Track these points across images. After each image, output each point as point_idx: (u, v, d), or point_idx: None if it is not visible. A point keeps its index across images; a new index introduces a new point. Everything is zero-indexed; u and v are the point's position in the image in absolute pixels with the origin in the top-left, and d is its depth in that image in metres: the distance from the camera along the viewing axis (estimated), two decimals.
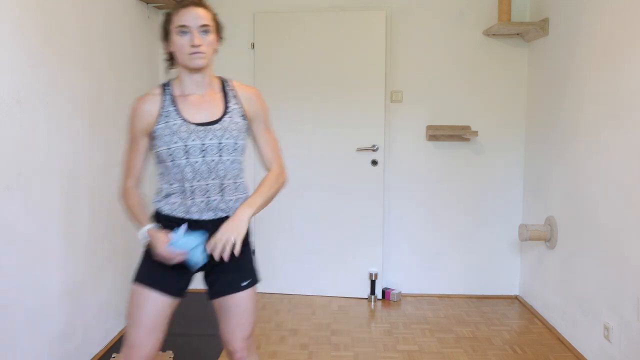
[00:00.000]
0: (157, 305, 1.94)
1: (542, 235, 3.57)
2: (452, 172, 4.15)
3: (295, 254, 4.17)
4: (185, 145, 1.87)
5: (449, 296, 4.20)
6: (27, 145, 2.41)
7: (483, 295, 4.20)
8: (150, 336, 1.93)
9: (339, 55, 4.01)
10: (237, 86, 2.09)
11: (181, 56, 1.88)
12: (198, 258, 1.91)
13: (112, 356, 3.10)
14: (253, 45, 4.10)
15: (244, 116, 2.02)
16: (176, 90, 1.95)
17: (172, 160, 1.89)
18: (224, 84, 2.07)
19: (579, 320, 3.18)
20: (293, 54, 4.04)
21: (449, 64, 4.09)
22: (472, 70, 4.08)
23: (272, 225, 4.17)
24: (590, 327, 3.05)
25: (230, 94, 2.03)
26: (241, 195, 2.05)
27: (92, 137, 3.03)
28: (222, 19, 4.42)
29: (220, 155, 1.93)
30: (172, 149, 1.88)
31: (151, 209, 2.01)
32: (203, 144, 1.89)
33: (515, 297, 4.18)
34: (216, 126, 1.92)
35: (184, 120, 1.89)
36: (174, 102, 1.92)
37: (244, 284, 2.10)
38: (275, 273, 4.20)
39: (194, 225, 1.93)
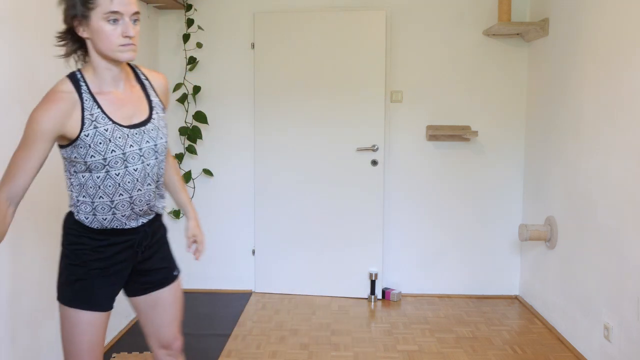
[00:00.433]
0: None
1: (542, 235, 3.57)
2: (452, 172, 4.15)
3: (295, 254, 4.17)
4: (124, 154, 1.65)
5: (449, 296, 4.20)
6: None
7: (483, 295, 4.20)
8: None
9: (339, 55, 4.01)
10: (149, 74, 1.84)
11: (107, 46, 1.59)
12: None
13: (112, 356, 3.10)
14: (253, 45, 4.09)
15: (164, 108, 1.84)
16: (92, 86, 1.64)
17: (106, 172, 1.65)
18: (136, 73, 1.80)
19: (579, 320, 3.18)
20: (293, 54, 4.04)
21: (449, 64, 4.09)
22: (472, 70, 4.08)
23: (271, 225, 4.17)
24: (590, 327, 3.05)
25: (147, 84, 1.80)
26: (161, 192, 1.95)
27: None
28: (222, 19, 4.45)
29: (156, 158, 1.76)
30: (108, 159, 1.63)
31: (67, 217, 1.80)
32: (140, 149, 1.70)
33: (515, 297, 4.18)
34: (149, 126, 1.73)
35: (115, 123, 1.65)
36: (95, 101, 1.63)
37: (176, 273, 2.01)
38: (275, 273, 4.20)
39: (128, 232, 1.78)
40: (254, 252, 4.26)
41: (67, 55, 1.67)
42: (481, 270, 4.20)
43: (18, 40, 2.35)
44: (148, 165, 1.73)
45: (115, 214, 1.72)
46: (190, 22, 4.02)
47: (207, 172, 4.19)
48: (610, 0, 2.88)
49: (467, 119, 4.11)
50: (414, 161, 4.15)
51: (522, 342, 3.36)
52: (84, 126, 1.61)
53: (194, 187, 4.22)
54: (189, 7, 4.04)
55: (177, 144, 4.18)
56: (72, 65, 1.74)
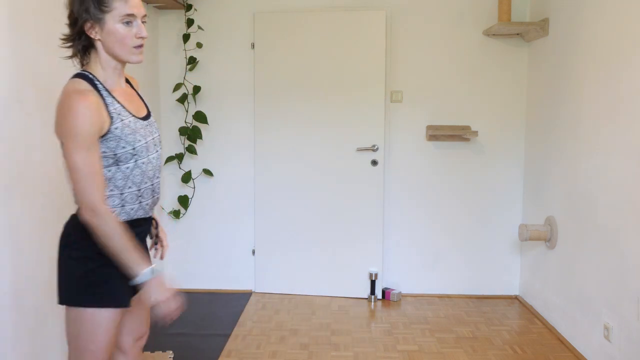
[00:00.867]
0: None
1: (542, 235, 3.57)
2: (452, 172, 4.15)
3: (295, 254, 4.17)
4: (146, 143, 1.73)
5: (449, 296, 4.20)
6: (27, 144, 2.41)
7: (483, 295, 4.20)
8: None
9: (339, 55, 4.01)
10: (126, 75, 1.86)
11: (120, 47, 1.65)
12: None
13: None
14: (253, 45, 4.10)
15: None
16: (105, 84, 1.69)
17: (134, 161, 1.70)
18: None
19: (579, 320, 3.18)
20: (293, 54, 4.04)
21: (449, 64, 4.09)
22: (472, 70, 4.08)
23: (271, 225, 4.17)
24: (590, 327, 3.05)
25: (131, 83, 1.87)
26: None
27: None
28: (222, 19, 4.45)
29: (161, 148, 1.87)
30: (136, 149, 1.69)
31: None
32: (153, 139, 1.79)
33: (515, 297, 4.18)
34: (151, 119, 1.82)
35: (134, 116, 1.72)
36: (113, 97, 1.68)
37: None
38: (275, 273, 4.20)
39: (144, 223, 1.81)
40: (254, 252, 4.26)
41: (73, 56, 1.71)
42: (481, 270, 4.20)
43: (18, 40, 2.35)
44: (159, 154, 1.84)
45: (141, 202, 1.76)
46: (190, 22, 4.02)
47: (207, 172, 4.19)
48: (610, 0, 2.88)
49: (467, 119, 4.11)
50: (414, 161, 4.15)
51: (522, 342, 3.36)
52: (113, 120, 1.65)
53: (194, 187, 4.22)
54: (189, 7, 4.04)
55: (177, 144, 4.18)
56: (74, 64, 1.76)
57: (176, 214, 4.18)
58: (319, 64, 4.02)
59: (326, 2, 4.09)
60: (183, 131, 4.09)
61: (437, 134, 4.06)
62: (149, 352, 3.14)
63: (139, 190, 1.74)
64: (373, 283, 4.11)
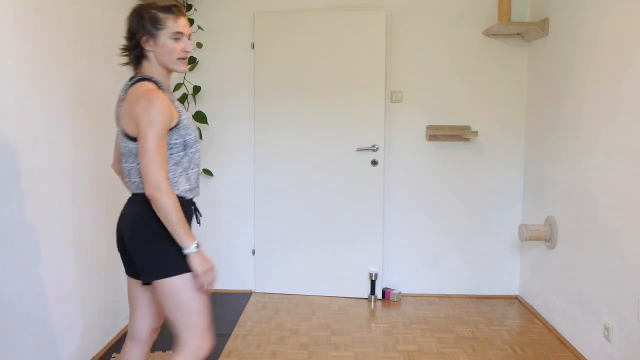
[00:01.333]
0: None
1: (542, 235, 3.57)
2: (452, 172, 4.15)
3: (295, 254, 4.17)
4: (196, 134, 2.06)
5: (449, 296, 4.20)
6: (27, 145, 2.41)
7: (483, 295, 4.20)
8: None
9: (339, 55, 4.01)
10: None
11: (169, 59, 1.97)
12: None
13: (112, 356, 3.10)
14: (253, 45, 4.10)
15: None
16: (162, 86, 2.01)
17: (196, 146, 2.04)
18: None
19: (579, 320, 3.18)
20: (293, 54, 4.04)
21: (449, 64, 4.09)
22: (472, 70, 4.08)
23: (271, 225, 4.17)
24: (590, 327, 3.05)
25: None
26: None
27: (92, 136, 3.03)
28: (222, 19, 4.45)
29: None
30: (194, 136, 2.03)
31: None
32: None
33: (515, 297, 4.18)
34: None
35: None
36: (171, 98, 2.01)
37: None
38: (275, 273, 4.20)
39: (193, 203, 2.10)
40: (254, 252, 4.26)
41: (128, 63, 2.02)
42: (481, 270, 4.20)
43: (18, 40, 2.35)
44: None
45: (197, 180, 2.08)
46: (190, 22, 4.02)
47: (207, 172, 4.19)
48: (610, 0, 2.88)
49: (467, 119, 4.11)
50: (414, 161, 4.16)
51: (522, 342, 3.36)
52: (180, 113, 1.97)
53: None
54: (189, 7, 4.04)
55: None
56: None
57: None
58: (319, 64, 4.02)
59: (326, 2, 4.09)
60: None
61: (437, 134, 4.06)
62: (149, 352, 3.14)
63: (197, 171, 2.06)
64: (373, 283, 4.11)
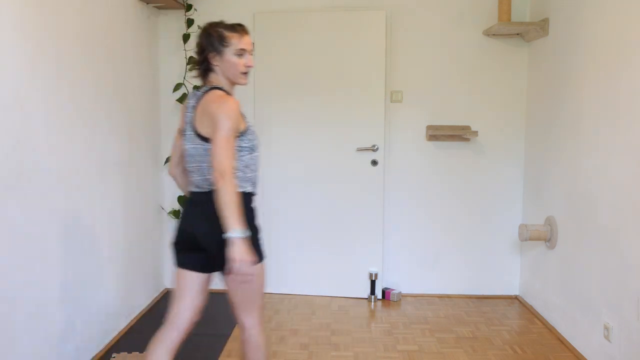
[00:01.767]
0: None
1: (542, 235, 3.57)
2: (452, 172, 4.15)
3: (295, 254, 4.17)
4: (258, 139, 2.35)
5: (449, 296, 4.20)
6: (27, 145, 2.41)
7: (483, 295, 4.21)
8: None
9: (339, 55, 4.01)
10: None
11: (233, 73, 2.21)
12: None
13: (112, 356, 3.10)
14: (253, 45, 4.09)
15: None
16: None
17: (258, 150, 2.27)
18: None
19: (579, 320, 3.18)
20: (293, 54, 4.04)
21: (449, 64, 4.09)
22: (472, 70, 4.08)
23: (271, 225, 4.17)
24: (590, 327, 3.05)
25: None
26: None
27: (92, 136, 3.03)
28: (222, 19, 4.42)
29: None
30: (258, 142, 2.27)
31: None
32: None
33: (515, 297, 4.18)
34: None
35: None
36: None
37: None
38: (275, 273, 4.20)
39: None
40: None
41: (198, 76, 2.26)
42: (481, 270, 4.20)
43: (19, 40, 2.35)
44: None
45: (257, 181, 2.32)
46: (190, 22, 4.02)
47: None
48: (610, 0, 2.88)
49: (467, 119, 4.11)
50: (414, 161, 4.16)
51: (522, 342, 3.36)
52: (246, 120, 2.23)
53: None
54: (189, 7, 4.04)
55: None
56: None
57: (176, 214, 4.18)
58: (319, 64, 4.02)
59: (326, 2, 4.09)
60: None
61: (437, 134, 4.06)
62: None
63: (257, 174, 2.30)
64: (373, 283, 4.11)
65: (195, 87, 2.30)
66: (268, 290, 4.23)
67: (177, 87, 4.07)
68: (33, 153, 2.46)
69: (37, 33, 2.48)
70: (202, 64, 2.23)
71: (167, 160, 4.13)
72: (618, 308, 2.77)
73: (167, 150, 4.19)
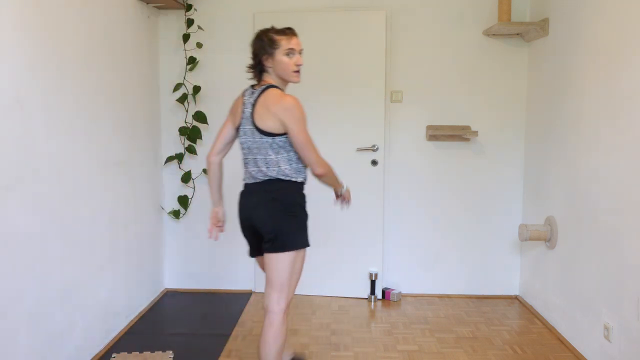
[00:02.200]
0: None
1: (542, 235, 3.57)
2: (452, 172, 4.15)
3: None
4: None
5: (449, 296, 4.20)
6: (27, 145, 2.41)
7: (483, 295, 4.21)
8: None
9: (339, 55, 4.01)
10: None
11: (285, 72, 2.44)
12: None
13: (112, 356, 3.10)
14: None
15: None
16: None
17: None
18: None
19: (579, 320, 3.18)
20: None
21: (449, 64, 4.09)
22: (472, 70, 4.08)
23: None
24: (590, 327, 3.05)
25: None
26: None
27: (92, 136, 3.03)
28: (222, 19, 4.45)
29: None
30: None
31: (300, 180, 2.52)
32: None
33: (515, 297, 4.18)
34: None
35: None
36: None
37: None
38: None
39: None
40: None
41: (254, 77, 2.50)
42: (481, 270, 4.20)
43: (20, 40, 2.35)
44: None
45: None
46: (190, 22, 4.02)
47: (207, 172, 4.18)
48: (610, 0, 2.88)
49: (467, 119, 4.11)
50: (414, 161, 4.16)
51: (522, 342, 3.36)
52: None
53: (194, 187, 4.22)
54: (189, 7, 4.04)
55: (177, 144, 4.18)
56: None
57: (176, 214, 4.18)
58: (319, 64, 4.02)
59: (326, 2, 4.09)
60: (183, 131, 4.09)
61: (437, 134, 4.06)
62: (149, 352, 3.14)
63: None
64: (373, 283, 4.11)
65: (251, 86, 2.55)
66: None
67: (177, 87, 4.07)
68: (33, 153, 2.46)
69: (37, 33, 2.48)
70: (257, 66, 2.47)
71: (168, 159, 4.13)
72: (618, 308, 2.77)
73: (167, 150, 4.19)
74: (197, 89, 4.07)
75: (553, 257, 3.55)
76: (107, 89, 3.20)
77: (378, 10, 3.99)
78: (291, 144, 2.41)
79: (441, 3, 4.06)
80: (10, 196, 2.30)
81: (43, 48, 2.53)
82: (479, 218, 4.16)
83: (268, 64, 2.44)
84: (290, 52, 2.41)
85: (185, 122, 4.13)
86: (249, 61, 4.50)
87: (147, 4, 3.84)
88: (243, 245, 4.28)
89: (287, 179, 2.45)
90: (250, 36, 4.12)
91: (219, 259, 4.28)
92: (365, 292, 4.14)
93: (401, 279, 4.24)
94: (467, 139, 4.10)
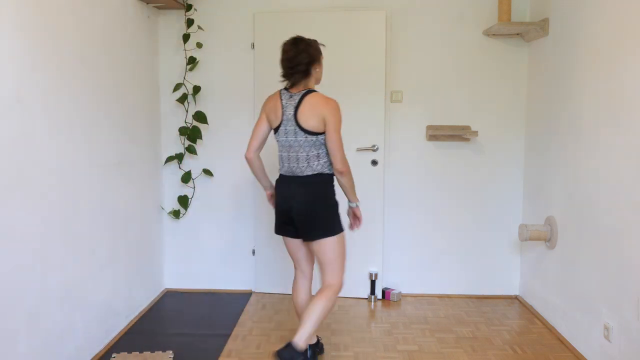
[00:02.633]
0: None
1: (542, 235, 3.57)
2: (452, 172, 4.15)
3: None
4: None
5: (449, 296, 4.20)
6: (27, 145, 2.41)
7: (483, 295, 4.21)
8: None
9: (339, 55, 4.00)
10: None
11: (321, 77, 2.87)
12: None
13: (112, 356, 3.10)
14: (253, 45, 4.10)
15: None
16: None
17: None
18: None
19: (579, 320, 3.18)
20: None
21: (449, 64, 4.09)
22: (472, 70, 4.08)
23: (271, 225, 4.17)
24: (590, 327, 3.05)
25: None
26: None
27: (92, 136, 3.03)
28: (222, 19, 4.45)
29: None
30: None
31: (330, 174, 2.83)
32: None
33: (515, 297, 4.18)
34: None
35: None
36: None
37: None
38: (275, 273, 4.20)
39: None
40: (254, 252, 4.26)
41: (291, 81, 2.78)
42: (481, 271, 4.20)
43: (20, 40, 2.35)
44: None
45: None
46: (190, 22, 4.02)
47: (207, 172, 4.18)
48: (610, 0, 2.88)
49: (467, 119, 4.11)
50: (414, 161, 4.16)
51: (522, 342, 3.36)
52: None
53: (194, 187, 4.22)
54: (189, 7, 4.04)
55: (177, 144, 4.18)
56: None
57: (176, 214, 4.18)
58: None
59: (326, 2, 4.09)
60: (183, 131, 4.09)
61: (437, 134, 4.06)
62: (149, 352, 3.14)
63: None
64: (373, 283, 4.11)
65: (285, 88, 2.81)
66: (267, 290, 4.23)
67: (177, 87, 4.07)
68: (33, 153, 2.46)
69: (37, 33, 2.48)
70: (305, 71, 2.75)
71: (168, 159, 4.13)
72: (618, 308, 2.77)
73: (167, 150, 4.19)
74: (197, 89, 4.07)
75: (553, 257, 3.55)
76: (107, 89, 3.20)
77: (378, 10, 3.99)
78: (325, 142, 2.75)
79: (441, 3, 4.06)
80: (11, 196, 2.30)
81: (43, 48, 2.53)
82: (479, 218, 4.16)
83: (314, 70, 2.78)
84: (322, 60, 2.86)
85: (185, 122, 4.13)
86: (249, 61, 4.51)
87: (147, 4, 3.84)
88: (243, 245, 4.29)
89: (325, 172, 2.81)
90: (250, 36, 4.14)
91: (219, 259, 4.28)
92: (365, 292, 4.14)
93: (401, 279, 4.24)
94: (467, 139, 4.10)
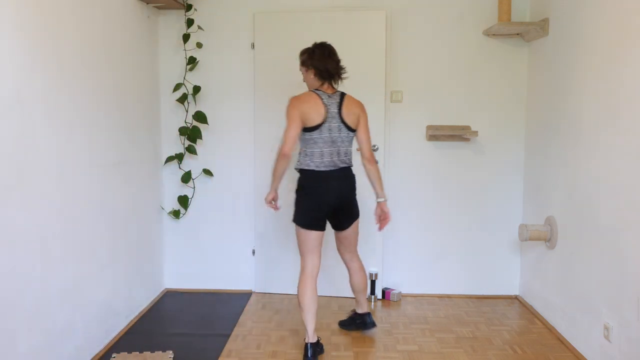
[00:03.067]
0: None
1: (542, 235, 3.57)
2: (452, 172, 4.15)
3: (295, 254, 4.16)
4: None
5: (449, 296, 4.20)
6: (27, 145, 2.41)
7: (483, 295, 4.21)
8: None
9: (339, 55, 3.99)
10: None
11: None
12: None
13: (112, 356, 3.10)
14: (253, 45, 4.10)
15: None
16: None
17: None
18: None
19: (579, 320, 3.18)
20: (293, 54, 4.03)
21: (449, 64, 4.09)
22: (472, 70, 4.08)
23: (271, 225, 4.17)
24: (590, 327, 3.05)
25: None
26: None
27: (92, 136, 3.03)
28: (222, 19, 4.44)
29: None
30: None
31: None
32: None
33: (515, 297, 4.18)
34: None
35: None
36: None
37: None
38: (275, 273, 4.20)
39: None
40: (254, 252, 4.26)
41: (327, 83, 3.13)
42: (481, 271, 4.20)
43: (20, 40, 2.35)
44: None
45: None
46: (190, 22, 4.02)
47: (207, 172, 4.18)
48: (610, 0, 2.88)
49: (467, 119, 4.11)
50: (414, 161, 4.16)
51: (522, 342, 3.36)
52: None
53: (194, 187, 4.22)
54: (189, 7, 4.04)
55: (177, 144, 4.18)
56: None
57: (176, 214, 4.18)
58: None
59: (326, 2, 4.09)
60: (183, 131, 4.09)
61: (437, 134, 4.06)
62: (149, 352, 3.14)
63: None
64: (373, 283, 4.11)
65: (315, 90, 3.08)
66: (267, 290, 4.23)
67: (177, 87, 4.07)
68: (33, 153, 2.46)
69: (37, 33, 2.48)
70: (337, 75, 3.09)
71: (168, 159, 4.13)
72: (618, 308, 2.77)
73: (167, 150, 4.19)
74: (197, 89, 4.07)
75: (553, 257, 3.55)
76: (107, 89, 3.20)
77: (378, 10, 3.99)
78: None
79: (441, 3, 4.06)
80: (11, 196, 2.30)
81: (43, 48, 2.53)
82: (479, 218, 4.16)
83: (343, 75, 3.15)
84: None
85: (185, 122, 4.13)
86: (249, 61, 4.52)
87: (147, 4, 3.84)
88: (243, 245, 4.29)
89: (351, 165, 3.16)
90: (250, 36, 4.14)
91: (219, 259, 4.28)
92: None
93: (401, 279, 4.24)
94: (467, 139, 4.10)
